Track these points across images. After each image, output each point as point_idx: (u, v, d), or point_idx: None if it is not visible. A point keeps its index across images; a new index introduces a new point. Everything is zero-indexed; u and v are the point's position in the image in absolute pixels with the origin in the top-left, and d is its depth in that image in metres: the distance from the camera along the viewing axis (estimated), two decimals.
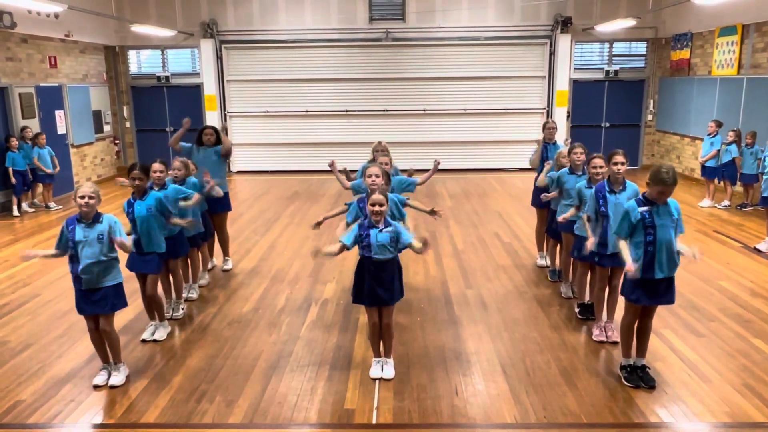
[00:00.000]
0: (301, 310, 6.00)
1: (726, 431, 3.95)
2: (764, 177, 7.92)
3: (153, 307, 5.32)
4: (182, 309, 5.82)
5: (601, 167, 5.18)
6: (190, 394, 4.40)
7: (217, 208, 6.89)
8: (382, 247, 4.37)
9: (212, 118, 14.62)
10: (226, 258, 7.28)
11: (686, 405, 4.20)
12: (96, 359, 4.91)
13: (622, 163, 4.85)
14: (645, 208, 4.18)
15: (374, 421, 4.05)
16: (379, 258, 4.39)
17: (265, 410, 4.18)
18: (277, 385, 4.51)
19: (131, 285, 5.21)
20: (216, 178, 6.22)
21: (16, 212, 10.38)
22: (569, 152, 5.86)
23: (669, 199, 4.19)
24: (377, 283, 4.42)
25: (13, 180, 10.25)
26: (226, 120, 14.80)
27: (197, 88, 14.76)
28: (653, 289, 4.25)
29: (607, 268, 5.05)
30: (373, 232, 4.38)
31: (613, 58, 14.78)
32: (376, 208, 4.34)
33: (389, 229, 4.39)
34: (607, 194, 4.87)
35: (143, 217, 5.05)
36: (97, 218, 4.32)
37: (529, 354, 4.95)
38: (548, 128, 7.17)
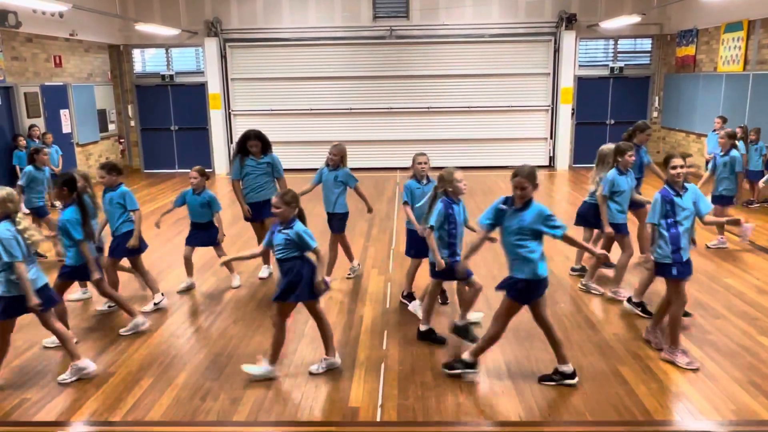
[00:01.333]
0: (304, 308, 5.98)
1: (732, 429, 3.93)
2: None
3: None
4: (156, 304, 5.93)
5: (681, 167, 4.79)
6: (195, 391, 4.41)
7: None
8: (278, 246, 4.41)
9: (217, 117, 14.66)
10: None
11: (692, 403, 4.18)
12: (101, 358, 4.94)
13: (681, 166, 4.68)
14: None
15: (378, 419, 4.05)
16: (278, 256, 4.44)
17: (269, 408, 4.19)
18: (281, 382, 4.52)
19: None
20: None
21: (25, 210, 10.41)
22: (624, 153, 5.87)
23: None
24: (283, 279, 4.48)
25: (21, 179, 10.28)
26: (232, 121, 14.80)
27: (201, 87, 14.78)
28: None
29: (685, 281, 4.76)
30: (276, 231, 4.49)
31: (618, 54, 14.73)
32: (273, 209, 4.43)
33: (286, 231, 4.39)
34: (674, 198, 4.64)
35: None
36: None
37: (533, 352, 4.94)
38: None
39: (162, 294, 6.04)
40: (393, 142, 14.78)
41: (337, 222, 6.53)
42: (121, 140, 15.08)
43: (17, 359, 4.96)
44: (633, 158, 5.92)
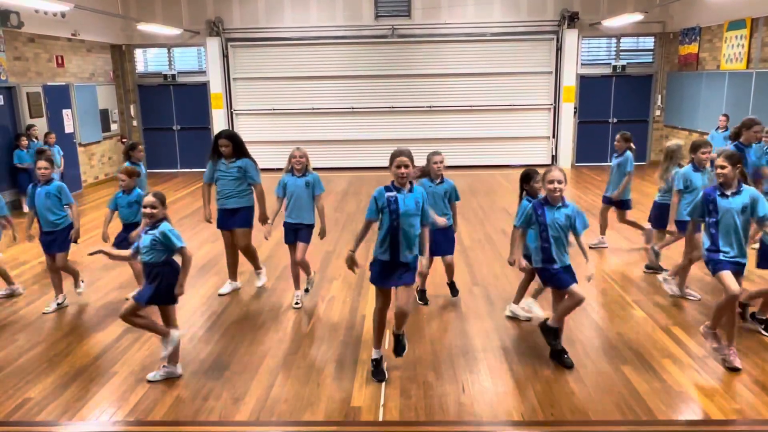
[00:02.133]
0: (307, 307, 6.00)
1: (736, 428, 3.91)
2: None
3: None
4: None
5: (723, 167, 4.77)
6: (197, 391, 4.40)
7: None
8: (145, 248, 4.39)
9: (219, 116, 14.67)
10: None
11: (695, 402, 4.17)
12: (102, 357, 4.94)
13: (722, 167, 4.64)
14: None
15: (381, 419, 4.04)
16: (145, 259, 4.41)
17: (271, 408, 4.18)
18: (283, 382, 4.51)
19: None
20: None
21: (26, 209, 10.44)
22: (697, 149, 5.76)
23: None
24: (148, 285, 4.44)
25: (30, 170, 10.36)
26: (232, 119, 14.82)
27: (203, 87, 14.79)
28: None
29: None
30: (143, 233, 4.46)
31: (621, 53, 14.69)
32: (148, 210, 4.37)
33: (152, 231, 4.36)
34: (718, 197, 4.64)
35: None
36: None
37: (536, 351, 4.92)
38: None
39: (64, 296, 6.11)
40: (395, 141, 14.70)
41: (308, 232, 5.88)
42: (124, 140, 15.07)
43: (20, 359, 4.96)
44: (707, 155, 5.70)
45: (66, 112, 12.38)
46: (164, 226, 4.37)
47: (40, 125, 11.27)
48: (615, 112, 14.92)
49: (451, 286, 6.11)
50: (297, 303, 5.97)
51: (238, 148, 6.04)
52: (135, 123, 15.23)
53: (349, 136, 14.75)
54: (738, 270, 4.62)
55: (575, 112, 14.66)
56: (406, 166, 4.33)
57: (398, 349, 4.56)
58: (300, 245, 5.81)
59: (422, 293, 6.01)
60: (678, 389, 4.33)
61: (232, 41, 14.52)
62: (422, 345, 5.09)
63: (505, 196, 11.16)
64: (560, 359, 4.68)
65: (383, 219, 4.32)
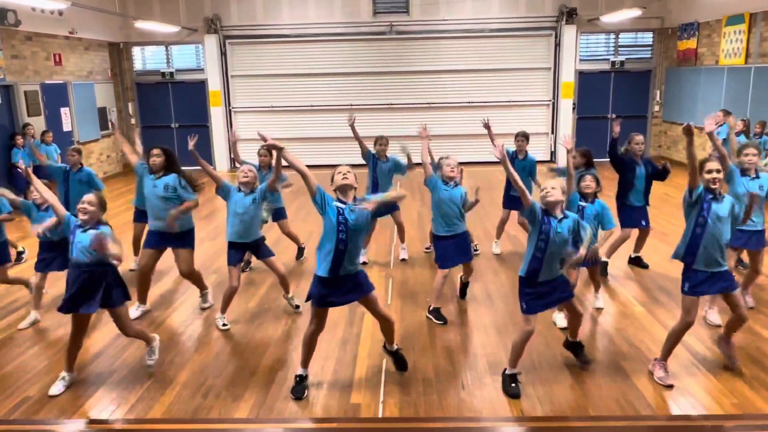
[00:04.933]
0: (306, 305, 5.97)
1: (734, 423, 3.92)
2: None
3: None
4: None
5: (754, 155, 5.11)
6: (196, 389, 4.40)
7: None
8: (81, 245, 4.13)
9: (217, 114, 14.65)
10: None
11: (694, 397, 4.17)
12: (102, 356, 4.94)
13: (754, 155, 4.92)
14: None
15: (380, 415, 4.05)
16: (80, 259, 4.13)
17: (271, 405, 4.18)
18: (283, 380, 4.51)
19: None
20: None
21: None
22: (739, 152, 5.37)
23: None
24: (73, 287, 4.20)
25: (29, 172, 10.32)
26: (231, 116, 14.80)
27: (202, 84, 14.77)
28: None
29: None
30: (78, 231, 4.17)
31: (619, 48, 14.67)
32: (84, 206, 4.12)
33: (93, 230, 4.10)
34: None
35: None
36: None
37: (535, 347, 4.92)
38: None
39: None
40: (394, 137, 14.66)
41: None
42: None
43: (19, 357, 4.96)
44: (750, 158, 5.18)
45: (64, 111, 12.36)
46: (106, 228, 4.15)
47: (38, 124, 11.25)
48: (614, 108, 14.91)
49: (465, 286, 5.98)
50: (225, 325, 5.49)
51: (169, 163, 5.47)
52: (133, 121, 15.21)
53: (347, 133, 14.61)
54: None
55: (574, 108, 14.65)
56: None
57: (401, 365, 4.47)
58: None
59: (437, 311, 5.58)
60: (677, 384, 4.33)
61: (230, 38, 14.49)
62: (421, 341, 5.09)
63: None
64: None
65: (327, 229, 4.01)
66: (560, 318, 5.26)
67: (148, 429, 3.99)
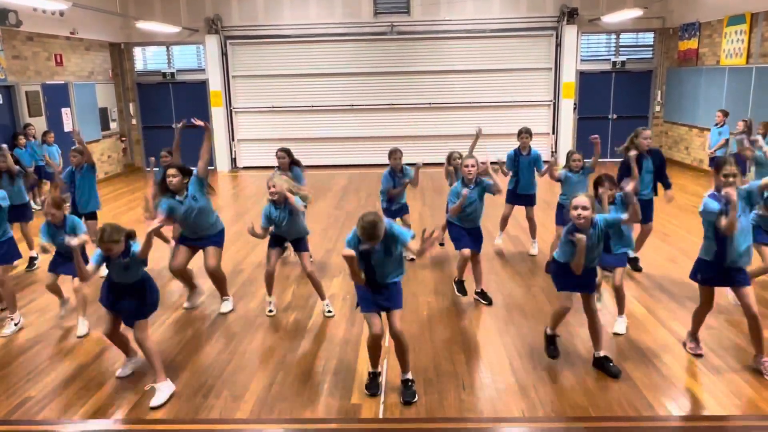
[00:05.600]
0: (307, 305, 5.99)
1: (736, 424, 3.91)
2: None
3: None
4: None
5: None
6: (197, 389, 4.40)
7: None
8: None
9: (218, 114, 14.65)
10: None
11: (696, 397, 4.17)
12: (103, 357, 4.94)
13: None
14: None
15: (381, 416, 4.04)
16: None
17: (272, 405, 4.18)
18: (284, 380, 4.51)
19: None
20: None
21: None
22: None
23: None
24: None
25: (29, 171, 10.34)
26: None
27: (203, 84, 14.77)
28: None
29: None
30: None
31: (620, 49, 14.66)
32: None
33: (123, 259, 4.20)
34: None
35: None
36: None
37: (536, 347, 4.92)
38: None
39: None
40: (395, 138, 14.72)
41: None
42: (123, 138, 15.07)
43: (20, 357, 4.96)
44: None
45: (65, 111, 12.37)
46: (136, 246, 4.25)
47: (39, 124, 11.26)
48: (615, 108, 14.91)
49: (481, 294, 5.99)
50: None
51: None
52: (134, 121, 15.22)
53: (348, 133, 14.72)
54: None
55: (575, 108, 14.64)
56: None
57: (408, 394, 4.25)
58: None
59: (461, 283, 6.02)
60: (679, 385, 4.32)
61: (231, 39, 14.50)
62: (422, 342, 5.09)
63: (505, 191, 11.11)
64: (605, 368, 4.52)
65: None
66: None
67: (149, 429, 3.99)
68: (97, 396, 4.35)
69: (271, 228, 5.53)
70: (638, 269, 6.72)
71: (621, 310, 5.23)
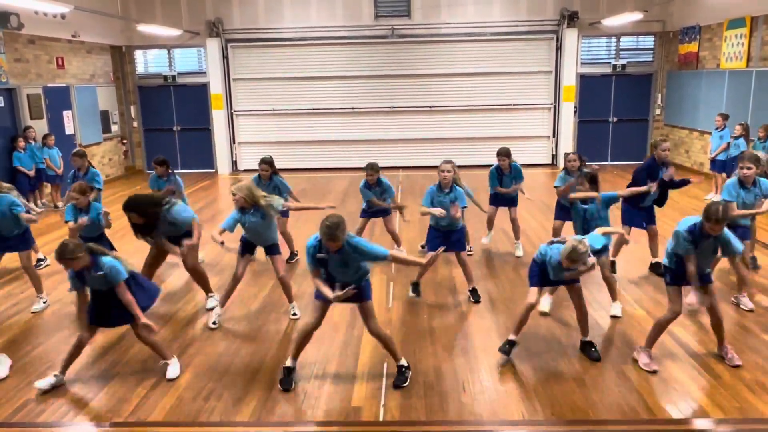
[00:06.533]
0: (308, 307, 5.98)
1: (736, 428, 3.91)
2: None
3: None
4: None
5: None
6: (198, 392, 4.41)
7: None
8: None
9: (219, 117, 14.67)
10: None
11: (696, 401, 4.17)
12: (104, 359, 4.95)
13: (749, 168, 5.39)
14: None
15: (381, 419, 4.05)
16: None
17: (272, 408, 4.19)
18: None
19: None
20: None
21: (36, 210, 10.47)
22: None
23: None
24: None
25: (29, 174, 10.42)
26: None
27: (204, 87, 14.79)
28: None
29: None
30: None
31: (621, 52, 14.68)
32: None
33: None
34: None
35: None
36: None
37: (536, 350, 4.92)
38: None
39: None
40: (395, 141, 14.79)
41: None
42: (124, 141, 15.09)
43: (21, 360, 4.96)
44: (745, 171, 5.49)
45: (66, 114, 12.39)
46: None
47: (41, 127, 11.28)
48: (615, 111, 14.92)
49: (473, 292, 6.11)
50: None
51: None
52: (135, 124, 15.24)
53: (349, 136, 14.74)
54: None
55: (575, 112, 14.65)
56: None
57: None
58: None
59: (415, 286, 6.16)
60: (679, 388, 4.33)
61: (231, 42, 14.52)
62: (423, 345, 5.10)
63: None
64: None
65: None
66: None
67: None
68: (98, 399, 4.36)
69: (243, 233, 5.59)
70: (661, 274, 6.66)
71: (614, 297, 5.59)
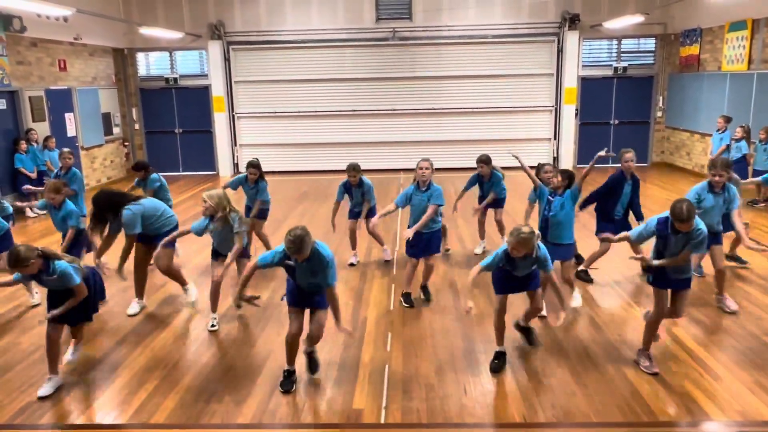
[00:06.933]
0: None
1: (737, 429, 3.91)
2: None
3: None
4: None
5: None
6: (199, 394, 4.41)
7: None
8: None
9: (221, 120, 14.70)
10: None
11: (697, 403, 4.17)
12: (105, 362, 4.96)
13: (720, 175, 5.42)
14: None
15: (382, 421, 4.05)
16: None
17: (273, 410, 4.19)
18: None
19: None
20: None
21: (30, 213, 10.50)
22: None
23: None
24: None
25: (31, 176, 10.44)
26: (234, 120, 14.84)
27: (205, 90, 14.82)
28: None
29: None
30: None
31: (622, 54, 14.68)
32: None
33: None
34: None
35: None
36: None
37: (537, 352, 4.92)
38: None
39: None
40: (396, 143, 14.79)
41: None
42: (126, 143, 15.12)
43: (23, 362, 4.97)
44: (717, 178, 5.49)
45: (68, 116, 12.42)
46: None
47: (43, 129, 11.31)
48: (616, 114, 14.92)
49: (424, 289, 6.16)
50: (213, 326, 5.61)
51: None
52: (137, 126, 15.27)
53: (350, 138, 14.75)
54: None
55: (577, 114, 14.66)
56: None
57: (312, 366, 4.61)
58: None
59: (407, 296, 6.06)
60: (680, 391, 4.32)
61: (233, 44, 14.55)
62: (424, 346, 5.10)
63: (507, 197, 11.12)
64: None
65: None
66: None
67: None
68: (100, 401, 4.37)
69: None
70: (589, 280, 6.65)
71: (572, 289, 5.82)
